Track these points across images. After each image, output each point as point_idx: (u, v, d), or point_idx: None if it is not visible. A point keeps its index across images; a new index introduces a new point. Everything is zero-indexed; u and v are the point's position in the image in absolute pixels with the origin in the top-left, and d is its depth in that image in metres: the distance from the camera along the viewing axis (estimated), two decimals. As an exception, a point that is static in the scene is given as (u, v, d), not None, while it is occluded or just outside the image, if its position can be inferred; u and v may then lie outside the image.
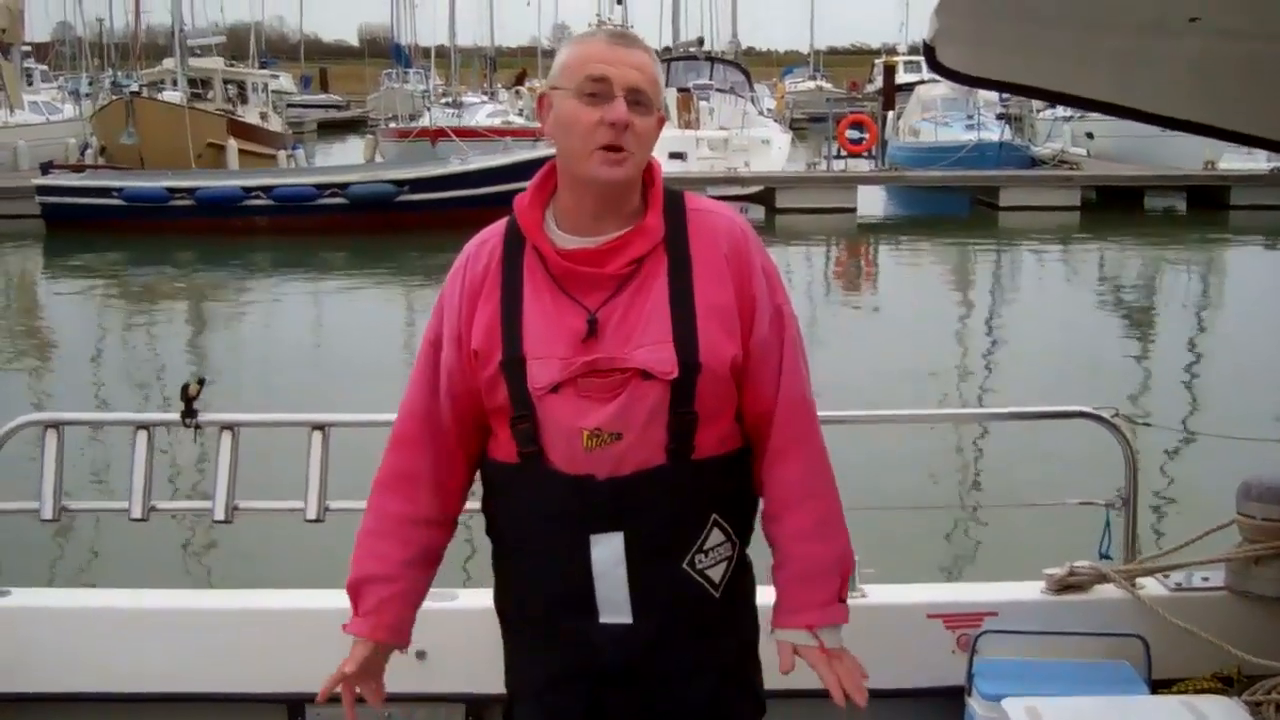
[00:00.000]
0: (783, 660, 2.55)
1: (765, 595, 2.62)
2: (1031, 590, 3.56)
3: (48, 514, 3.59)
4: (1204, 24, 2.62)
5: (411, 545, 2.58)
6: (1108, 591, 3.52)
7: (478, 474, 2.62)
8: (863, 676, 2.51)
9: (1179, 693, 3.25)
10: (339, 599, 3.56)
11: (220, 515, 3.60)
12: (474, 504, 2.85)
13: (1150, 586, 3.55)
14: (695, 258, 2.45)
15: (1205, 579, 3.58)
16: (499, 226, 2.54)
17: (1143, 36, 2.75)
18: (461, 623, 3.42)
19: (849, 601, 3.41)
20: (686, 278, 2.43)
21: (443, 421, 2.54)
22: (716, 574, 2.49)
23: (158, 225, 25.10)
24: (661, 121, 2.46)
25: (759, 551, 2.61)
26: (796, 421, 2.51)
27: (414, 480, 2.56)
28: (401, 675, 3.39)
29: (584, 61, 2.38)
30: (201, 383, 3.66)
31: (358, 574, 2.58)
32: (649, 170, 2.50)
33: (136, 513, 3.59)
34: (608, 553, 2.42)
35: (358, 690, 2.58)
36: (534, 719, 2.57)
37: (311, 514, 3.60)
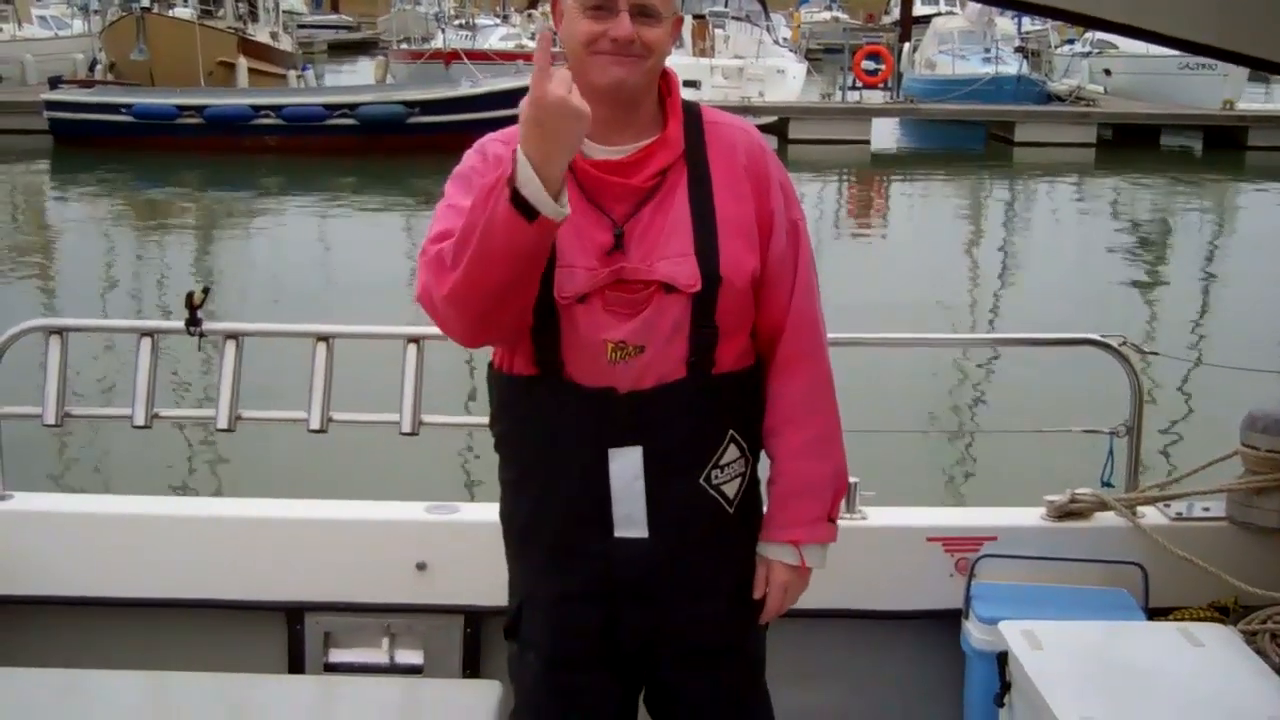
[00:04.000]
0: (757, 583, 2.56)
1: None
2: (1032, 516, 3.56)
3: (50, 419, 3.58)
4: None
5: None
6: (1108, 519, 3.52)
7: (486, 390, 2.58)
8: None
9: (1176, 620, 3.26)
10: (340, 509, 3.61)
11: (223, 424, 3.59)
12: (478, 419, 2.83)
13: (1151, 515, 3.55)
14: (714, 171, 2.43)
15: (1206, 509, 3.57)
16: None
17: None
18: (461, 535, 3.44)
19: (849, 522, 3.45)
20: (707, 191, 2.41)
21: None
22: (731, 489, 2.50)
23: (166, 142, 25.05)
24: (678, 24, 2.43)
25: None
26: (804, 338, 2.51)
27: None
28: (401, 586, 3.44)
29: None
30: (206, 291, 3.63)
31: (470, 220, 2.21)
32: (666, 81, 2.48)
33: (139, 419, 3.58)
34: (626, 466, 2.41)
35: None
36: (544, 633, 2.55)
37: (314, 424, 3.59)
